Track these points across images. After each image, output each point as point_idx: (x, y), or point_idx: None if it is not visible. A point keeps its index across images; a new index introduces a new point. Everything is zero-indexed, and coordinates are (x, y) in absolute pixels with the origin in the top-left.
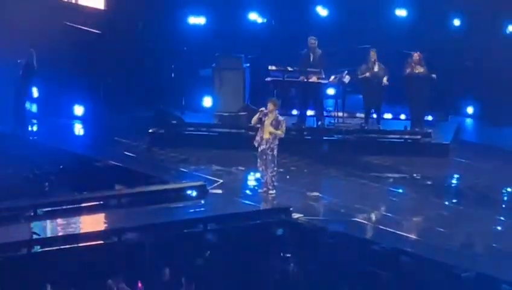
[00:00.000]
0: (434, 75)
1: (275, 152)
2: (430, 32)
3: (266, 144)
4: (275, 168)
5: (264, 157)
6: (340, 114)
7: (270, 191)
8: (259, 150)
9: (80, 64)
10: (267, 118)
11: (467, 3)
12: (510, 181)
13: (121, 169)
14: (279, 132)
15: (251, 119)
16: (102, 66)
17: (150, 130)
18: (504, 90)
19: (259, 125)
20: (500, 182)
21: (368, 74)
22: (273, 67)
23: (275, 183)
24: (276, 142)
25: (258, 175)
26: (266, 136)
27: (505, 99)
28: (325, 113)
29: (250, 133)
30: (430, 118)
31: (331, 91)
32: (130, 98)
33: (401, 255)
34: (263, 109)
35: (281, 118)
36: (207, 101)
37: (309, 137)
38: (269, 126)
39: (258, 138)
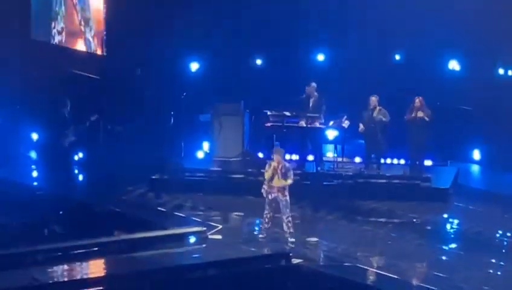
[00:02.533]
0: (427, 118)
1: (288, 198)
2: (429, 76)
3: (278, 192)
4: (290, 214)
5: (274, 205)
6: (340, 159)
7: (290, 239)
8: (270, 197)
9: (79, 110)
10: (275, 167)
11: (465, 46)
12: (508, 226)
13: (121, 215)
14: (289, 181)
15: (251, 164)
16: (101, 112)
17: (153, 177)
18: (504, 135)
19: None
20: (499, 227)
21: (371, 124)
22: (273, 113)
23: (292, 230)
24: (287, 187)
25: (258, 220)
26: (277, 184)
27: (504, 145)
28: (324, 158)
29: (250, 178)
30: (429, 162)
31: (333, 134)
32: (129, 143)
33: None
34: (274, 163)
35: (287, 164)
36: (206, 147)
37: (308, 182)
38: (280, 175)
39: (265, 186)
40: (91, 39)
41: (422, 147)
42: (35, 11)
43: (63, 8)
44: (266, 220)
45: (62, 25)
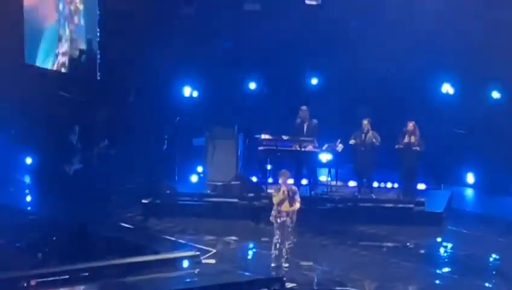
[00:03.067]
0: (417, 148)
1: (293, 224)
2: (423, 98)
3: (287, 216)
4: (292, 241)
5: (283, 229)
6: (334, 183)
7: (284, 264)
8: (278, 221)
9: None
10: (284, 191)
11: (458, 68)
12: (502, 249)
13: (113, 239)
14: (297, 205)
15: (244, 188)
16: (94, 136)
17: (144, 201)
18: (497, 158)
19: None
20: (493, 251)
21: (355, 141)
22: (266, 136)
23: (288, 257)
24: (295, 212)
25: (252, 244)
26: (285, 209)
27: (498, 169)
28: (318, 182)
29: (244, 202)
30: (423, 186)
31: (326, 157)
32: (122, 167)
33: None
34: (283, 187)
35: (294, 187)
36: (200, 171)
37: (302, 206)
38: (287, 201)
39: (274, 212)
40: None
41: (414, 170)
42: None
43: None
44: (277, 246)
45: (66, 48)
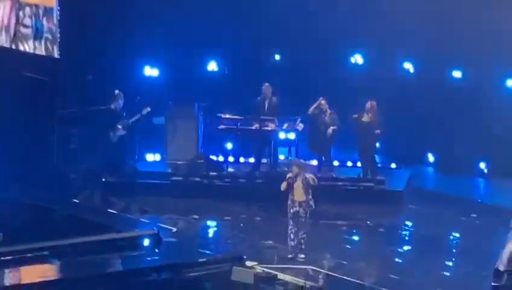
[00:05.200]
0: (378, 131)
1: (308, 215)
2: (383, 79)
3: (300, 207)
4: (306, 232)
5: (296, 219)
6: None
7: (300, 255)
8: (292, 212)
9: (29, 112)
10: (296, 180)
11: (419, 47)
12: (462, 228)
13: (73, 218)
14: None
15: (204, 167)
16: (53, 115)
17: (104, 179)
18: (456, 138)
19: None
20: (453, 229)
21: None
22: (227, 115)
23: (303, 247)
24: (311, 203)
25: (213, 223)
26: (299, 198)
27: (458, 148)
28: (278, 161)
29: (204, 181)
30: (383, 165)
31: (287, 136)
32: (82, 146)
33: None
34: (290, 174)
35: (308, 174)
36: (160, 150)
37: (263, 184)
38: (301, 188)
39: (289, 202)
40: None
41: (374, 149)
42: None
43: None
44: (292, 236)
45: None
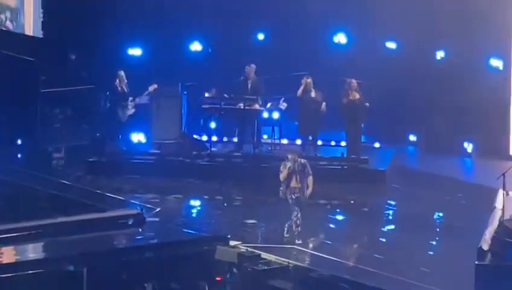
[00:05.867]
0: (367, 104)
1: (307, 200)
2: (366, 58)
3: (299, 192)
4: (299, 215)
5: (299, 205)
6: (278, 141)
7: (298, 241)
8: (294, 198)
9: (13, 92)
10: (293, 168)
11: (401, 29)
12: (445, 207)
13: (58, 197)
14: (310, 178)
15: (188, 147)
16: (36, 94)
17: (90, 159)
18: (439, 117)
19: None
20: (436, 209)
21: (300, 93)
22: (210, 95)
23: (299, 230)
24: (308, 189)
25: (197, 202)
26: (294, 185)
27: (441, 127)
28: (262, 140)
29: (188, 161)
30: (367, 144)
31: (274, 116)
32: (66, 125)
33: (339, 282)
34: (289, 164)
35: (303, 160)
36: (145, 129)
37: (246, 164)
38: (297, 175)
39: (283, 188)
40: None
41: (358, 128)
42: None
43: None
44: (298, 223)
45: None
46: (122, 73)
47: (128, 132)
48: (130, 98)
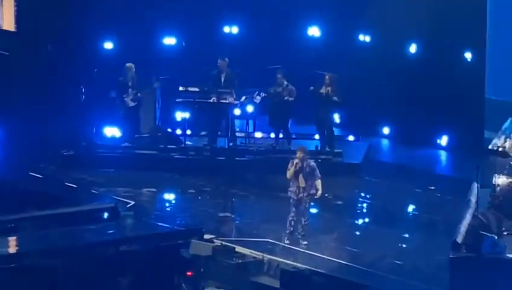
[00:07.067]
0: (335, 98)
1: (310, 202)
2: (340, 51)
3: (304, 192)
4: (308, 219)
5: (299, 206)
6: (252, 134)
7: (303, 242)
8: (296, 198)
9: None
10: (300, 166)
11: (374, 22)
12: (419, 200)
13: (32, 191)
14: (319, 181)
15: (162, 140)
16: (10, 88)
17: (64, 153)
18: (413, 110)
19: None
20: (410, 202)
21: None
22: (184, 88)
23: (304, 233)
24: (314, 191)
25: (171, 196)
26: (303, 184)
27: (416, 120)
28: (236, 134)
29: (162, 154)
30: (341, 137)
31: (248, 109)
32: (40, 119)
33: (313, 276)
34: (297, 161)
35: (312, 162)
36: (118, 123)
37: (221, 158)
38: (304, 174)
39: (293, 188)
40: None
41: (331, 122)
42: None
43: None
44: (292, 223)
45: None
46: (128, 64)
47: (103, 126)
48: (134, 92)
